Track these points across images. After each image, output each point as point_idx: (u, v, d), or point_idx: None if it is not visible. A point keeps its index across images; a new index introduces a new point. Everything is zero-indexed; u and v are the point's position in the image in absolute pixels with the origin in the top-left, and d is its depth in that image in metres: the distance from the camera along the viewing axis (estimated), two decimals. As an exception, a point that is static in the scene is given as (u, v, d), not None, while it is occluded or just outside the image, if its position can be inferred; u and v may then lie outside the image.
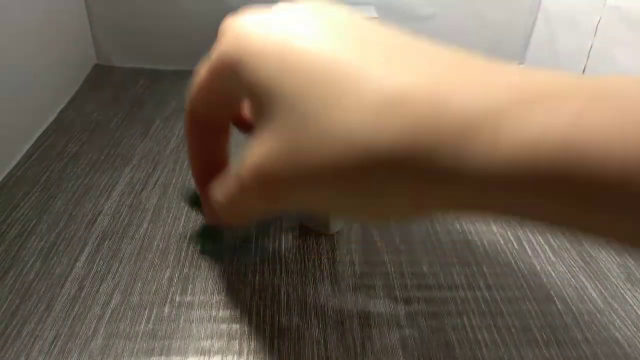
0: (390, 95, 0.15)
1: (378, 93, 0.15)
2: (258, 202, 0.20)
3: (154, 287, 0.27)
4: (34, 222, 0.32)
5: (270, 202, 0.19)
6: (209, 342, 0.24)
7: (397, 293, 0.28)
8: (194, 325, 0.25)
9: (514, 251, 0.31)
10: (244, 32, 0.19)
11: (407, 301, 0.27)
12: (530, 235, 0.32)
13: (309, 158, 0.16)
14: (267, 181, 0.18)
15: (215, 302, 0.27)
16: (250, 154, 0.19)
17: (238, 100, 0.23)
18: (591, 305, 0.27)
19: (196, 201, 0.29)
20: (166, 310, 0.26)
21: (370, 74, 0.16)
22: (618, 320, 0.27)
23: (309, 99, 0.16)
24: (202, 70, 0.21)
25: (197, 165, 0.26)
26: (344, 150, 0.16)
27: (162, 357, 0.24)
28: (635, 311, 0.27)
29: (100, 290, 0.27)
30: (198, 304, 0.26)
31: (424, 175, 0.15)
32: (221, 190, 0.22)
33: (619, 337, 0.26)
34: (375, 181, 0.16)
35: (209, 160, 0.25)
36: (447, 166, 0.14)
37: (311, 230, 0.32)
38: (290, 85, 0.17)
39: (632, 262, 0.30)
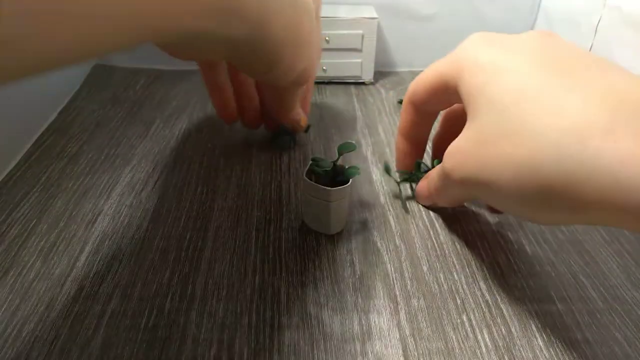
0: (567, 132, 0.19)
1: (557, 131, 0.20)
2: (450, 181, 0.26)
3: (154, 287, 0.27)
4: (34, 222, 0.32)
5: (455, 176, 0.25)
6: (208, 342, 0.24)
7: (397, 293, 0.28)
8: (194, 325, 0.25)
9: (514, 251, 0.31)
10: (468, 53, 0.25)
11: (407, 301, 0.27)
12: (530, 236, 0.32)
13: (491, 149, 0.22)
14: (454, 154, 0.25)
15: (215, 302, 0.27)
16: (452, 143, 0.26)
17: (449, 101, 0.29)
18: (591, 305, 0.27)
19: (388, 170, 0.36)
20: (166, 310, 0.26)
21: (552, 112, 0.20)
22: (618, 320, 0.27)
23: (502, 115, 0.22)
24: (430, 71, 0.28)
25: (403, 142, 0.34)
26: (537, 150, 0.20)
27: (162, 357, 0.24)
28: (635, 311, 0.27)
29: (100, 290, 0.27)
30: (198, 304, 0.26)
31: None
32: (436, 168, 0.30)
33: (619, 337, 0.26)
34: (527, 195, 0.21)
35: (414, 138, 0.34)
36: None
37: (312, 231, 0.32)
38: (488, 99, 0.23)
39: (632, 262, 0.31)
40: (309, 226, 0.32)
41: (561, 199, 0.20)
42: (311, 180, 0.30)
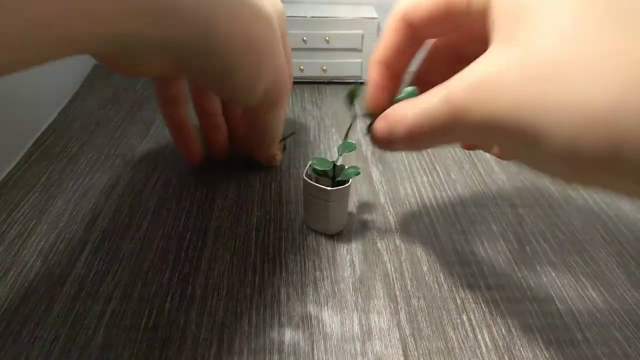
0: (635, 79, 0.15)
1: (623, 72, 0.15)
2: (459, 122, 0.19)
3: (154, 287, 0.27)
4: (34, 222, 0.32)
5: (473, 116, 0.19)
6: (209, 342, 0.24)
7: (397, 293, 0.28)
8: (194, 325, 0.25)
9: (514, 251, 0.31)
10: None
11: (407, 301, 0.27)
12: (530, 236, 0.32)
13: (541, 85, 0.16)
14: (480, 85, 0.18)
15: (215, 302, 0.27)
16: (472, 69, 0.19)
17: (458, 22, 0.23)
18: (591, 305, 0.27)
19: (353, 97, 0.29)
20: (166, 310, 0.26)
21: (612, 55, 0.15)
22: (618, 320, 0.27)
23: (573, 41, 0.16)
24: None
25: (381, 72, 0.26)
26: (601, 91, 0.15)
27: (162, 357, 0.24)
28: (635, 311, 0.27)
29: (100, 290, 0.27)
30: (198, 304, 0.26)
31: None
32: (412, 107, 0.22)
33: (619, 337, 0.26)
34: (587, 148, 0.16)
35: (394, 67, 0.26)
36: None
37: (312, 231, 0.32)
38: (560, 9, 0.17)
39: (632, 262, 0.31)
40: (309, 226, 0.32)
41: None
42: (311, 180, 0.30)
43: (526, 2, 0.18)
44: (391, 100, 0.26)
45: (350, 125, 0.31)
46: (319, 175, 0.30)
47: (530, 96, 0.17)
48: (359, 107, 0.28)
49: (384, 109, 0.25)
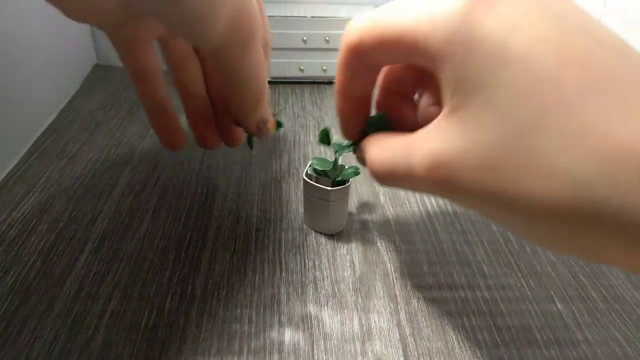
0: (621, 147, 0.14)
1: (608, 141, 0.14)
2: (425, 186, 0.20)
3: (154, 287, 0.27)
4: (34, 222, 0.32)
5: (437, 188, 0.19)
6: (208, 342, 0.24)
7: (397, 293, 0.28)
8: (193, 325, 0.25)
9: (514, 251, 0.31)
10: (460, 10, 0.17)
11: (407, 301, 0.27)
12: (530, 235, 0.32)
13: (508, 173, 0.16)
14: (440, 165, 0.18)
15: (215, 302, 0.27)
16: (431, 137, 0.19)
17: (409, 60, 0.21)
18: (591, 305, 0.27)
19: (326, 138, 0.29)
20: (166, 310, 0.26)
21: (600, 119, 0.15)
22: (618, 320, 0.27)
23: (526, 116, 0.16)
24: (394, 21, 0.20)
25: (344, 102, 0.26)
26: (554, 189, 0.15)
27: (162, 357, 0.24)
28: (635, 311, 0.27)
29: (100, 290, 0.27)
30: (198, 304, 0.26)
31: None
32: (381, 155, 0.22)
33: (619, 337, 0.26)
34: (568, 224, 0.16)
35: (357, 94, 0.26)
36: None
37: (312, 231, 0.32)
38: (505, 90, 0.16)
39: (632, 262, 0.31)
40: (309, 226, 0.32)
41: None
42: (311, 180, 0.30)
43: (474, 74, 0.17)
44: (364, 123, 0.27)
45: (336, 159, 0.30)
46: (319, 175, 0.30)
47: (490, 183, 0.17)
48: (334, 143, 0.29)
49: (363, 134, 0.26)
